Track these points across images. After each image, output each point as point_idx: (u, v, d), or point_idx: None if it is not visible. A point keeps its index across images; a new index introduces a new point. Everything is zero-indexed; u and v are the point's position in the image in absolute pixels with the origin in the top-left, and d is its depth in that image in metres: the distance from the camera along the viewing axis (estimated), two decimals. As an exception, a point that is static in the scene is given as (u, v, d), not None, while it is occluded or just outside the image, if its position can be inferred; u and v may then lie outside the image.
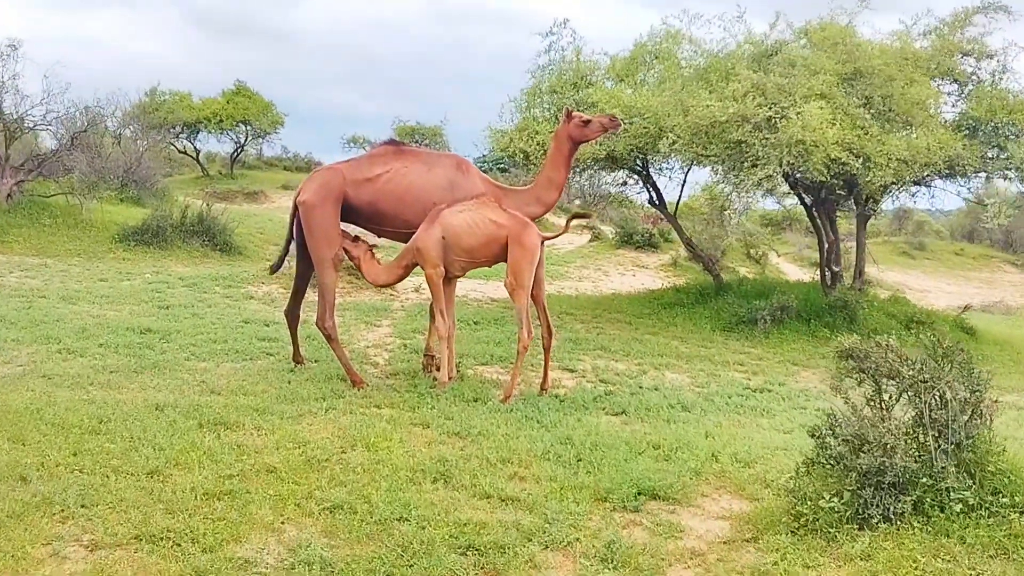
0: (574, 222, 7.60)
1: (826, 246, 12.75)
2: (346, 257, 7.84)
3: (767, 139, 10.08)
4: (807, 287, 13.47)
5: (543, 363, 7.67)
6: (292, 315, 8.17)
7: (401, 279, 8.01)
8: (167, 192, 22.94)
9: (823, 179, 10.18)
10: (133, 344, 8.53)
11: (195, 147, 35.29)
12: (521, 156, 12.74)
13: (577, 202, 29.11)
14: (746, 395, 8.09)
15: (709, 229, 21.80)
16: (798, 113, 9.87)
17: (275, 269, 8.52)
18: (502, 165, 25.54)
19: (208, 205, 17.54)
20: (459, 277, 7.85)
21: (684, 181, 14.40)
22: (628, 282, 19.31)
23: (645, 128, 11.79)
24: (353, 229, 8.01)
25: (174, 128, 32.11)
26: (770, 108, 10.15)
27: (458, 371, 7.96)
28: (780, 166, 9.90)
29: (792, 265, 25.07)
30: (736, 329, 11.67)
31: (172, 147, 33.66)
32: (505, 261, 7.31)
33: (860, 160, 10.08)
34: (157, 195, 21.47)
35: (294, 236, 7.93)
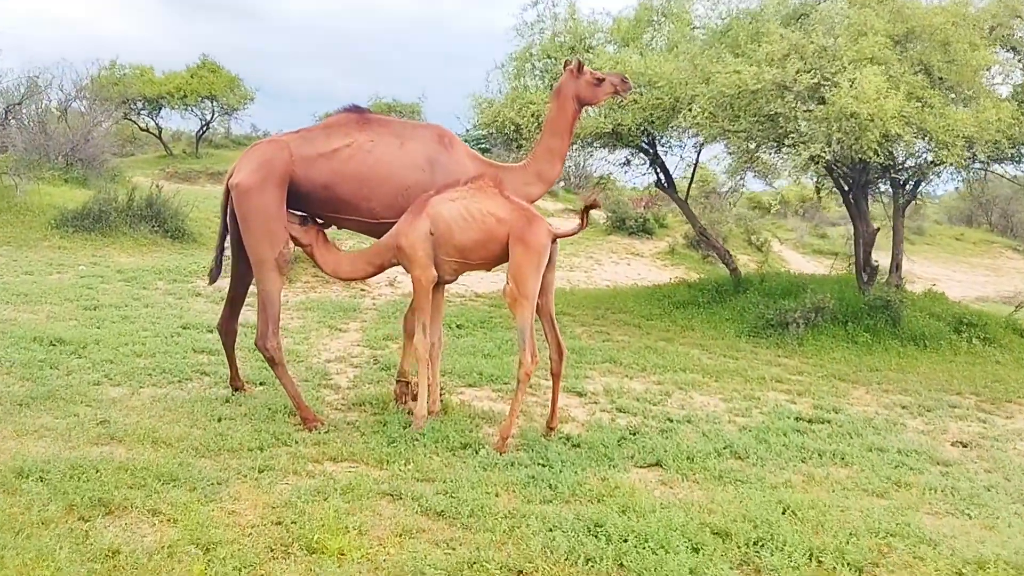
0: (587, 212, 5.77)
1: (862, 237, 11.01)
2: (296, 248, 6.07)
3: (810, 111, 8.38)
4: (838, 283, 11.75)
5: (551, 393, 5.92)
6: (227, 329, 6.41)
7: (369, 277, 6.26)
8: (118, 172, 20.92)
9: (878, 160, 8.46)
10: (34, 362, 6.86)
11: (158, 124, 33.04)
12: (512, 129, 10.89)
13: (561, 183, 27.09)
14: (802, 429, 6.40)
15: (707, 214, 20.25)
16: (850, 81, 8.16)
17: (213, 278, 6.57)
18: (483, 144, 23.66)
19: (158, 186, 15.61)
20: (450, 282, 6.11)
21: (696, 161, 12.64)
22: (623, 272, 17.72)
23: (659, 99, 10.06)
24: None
25: (134, 104, 29.94)
26: (814, 75, 8.44)
27: (441, 401, 6.22)
28: (829, 144, 8.17)
29: (795, 253, 23.52)
30: (764, 334, 9.98)
31: (134, 124, 31.58)
32: (506, 263, 5.60)
33: (924, 137, 8.39)
34: (107, 175, 19.48)
35: (228, 230, 6.14)
